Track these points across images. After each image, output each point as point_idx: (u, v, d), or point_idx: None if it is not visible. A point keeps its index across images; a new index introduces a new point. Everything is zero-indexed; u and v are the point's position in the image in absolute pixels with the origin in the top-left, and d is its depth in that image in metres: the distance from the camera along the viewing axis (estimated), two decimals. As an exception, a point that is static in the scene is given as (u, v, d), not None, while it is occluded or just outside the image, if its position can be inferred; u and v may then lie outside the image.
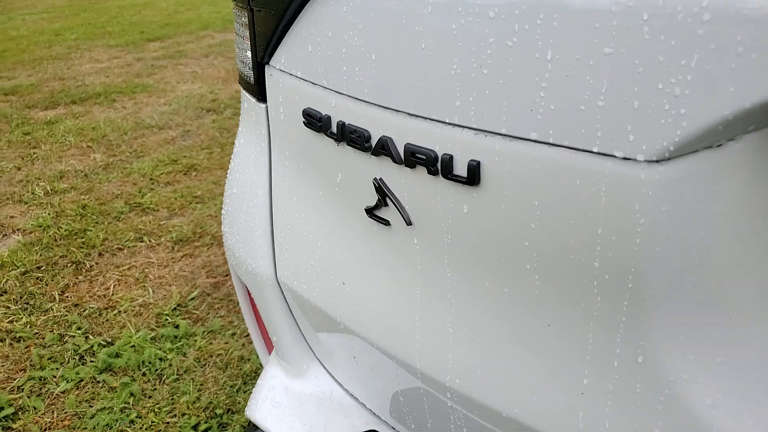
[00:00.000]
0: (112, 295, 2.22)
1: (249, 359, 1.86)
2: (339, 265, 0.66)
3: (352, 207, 0.63)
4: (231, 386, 1.76)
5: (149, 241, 2.57)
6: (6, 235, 2.68)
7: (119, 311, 2.12)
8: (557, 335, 0.51)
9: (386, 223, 0.60)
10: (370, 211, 0.61)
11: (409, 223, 0.57)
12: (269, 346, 0.87)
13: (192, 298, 2.17)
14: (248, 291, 0.83)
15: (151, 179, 3.14)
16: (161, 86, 4.76)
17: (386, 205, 0.59)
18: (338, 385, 0.71)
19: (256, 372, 1.81)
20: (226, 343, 1.94)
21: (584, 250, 0.46)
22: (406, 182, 0.56)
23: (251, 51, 0.66)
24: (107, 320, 2.08)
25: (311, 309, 0.69)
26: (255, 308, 0.86)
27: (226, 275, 2.31)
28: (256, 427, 0.68)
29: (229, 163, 3.03)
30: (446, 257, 0.56)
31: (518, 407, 0.55)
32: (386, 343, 0.62)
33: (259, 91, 0.67)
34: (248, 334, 1.98)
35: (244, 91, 0.73)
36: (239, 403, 1.70)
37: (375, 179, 0.58)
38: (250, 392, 1.70)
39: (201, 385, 1.77)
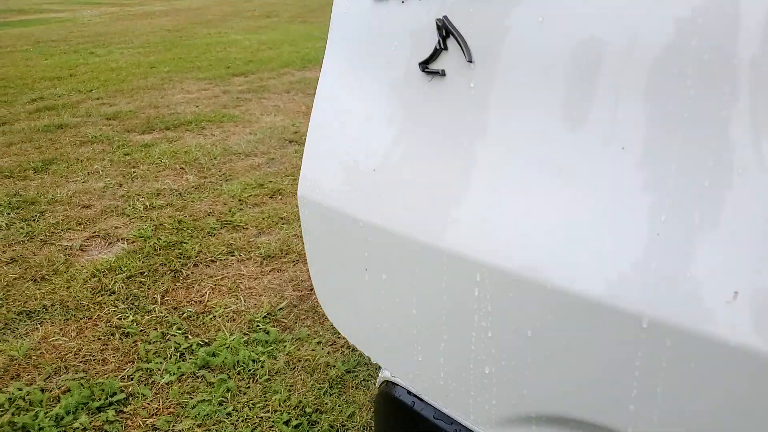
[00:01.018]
0: (207, 301, 2.41)
1: (334, 366, 1.97)
2: (373, 152, 0.67)
3: (404, 73, 0.65)
4: (318, 389, 1.88)
5: (240, 255, 2.76)
6: (111, 243, 2.94)
7: (214, 316, 2.30)
8: (633, 162, 0.46)
9: (441, 73, 0.62)
10: (425, 64, 0.63)
11: (470, 59, 0.58)
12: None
13: (280, 308, 2.32)
14: None
15: (239, 200, 3.37)
16: (246, 117, 5.09)
17: (446, 48, 0.60)
18: None
19: (342, 378, 1.92)
20: (313, 350, 2.06)
21: (677, 28, 0.42)
22: (473, 11, 0.57)
23: None
24: (204, 323, 2.26)
25: (333, 218, 0.71)
26: None
27: (311, 289, 2.46)
28: (392, 384, 0.79)
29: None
30: (507, 93, 0.55)
31: (573, 271, 0.48)
32: (413, 227, 0.61)
33: None
34: (333, 343, 2.10)
35: None
36: (326, 404, 1.81)
37: (438, 20, 0.60)
38: (337, 395, 1.81)
39: (291, 386, 1.90)
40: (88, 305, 2.39)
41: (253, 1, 17.10)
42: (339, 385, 1.90)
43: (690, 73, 0.43)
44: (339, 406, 1.81)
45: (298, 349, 2.07)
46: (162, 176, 3.79)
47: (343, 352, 2.05)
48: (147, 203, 3.36)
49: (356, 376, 1.93)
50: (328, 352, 2.05)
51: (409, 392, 0.76)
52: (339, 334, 2.14)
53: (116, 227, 3.09)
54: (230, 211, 3.23)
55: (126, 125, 4.92)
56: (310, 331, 2.17)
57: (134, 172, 3.86)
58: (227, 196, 3.44)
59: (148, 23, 12.20)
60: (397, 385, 0.78)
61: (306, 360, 2.02)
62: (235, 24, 11.84)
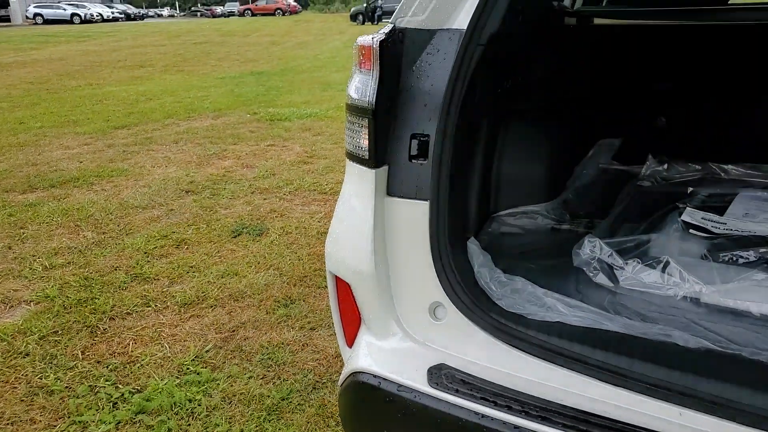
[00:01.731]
0: (131, 351, 2.46)
1: (269, 395, 2.15)
2: None
3: None
4: (258, 417, 2.04)
5: (156, 305, 2.83)
6: (13, 306, 2.86)
7: (141, 364, 2.37)
8: None
9: None
10: None
11: None
12: (348, 339, 1.24)
13: (207, 350, 2.45)
14: (338, 293, 1.20)
15: (145, 253, 3.41)
16: (137, 170, 5.06)
17: None
18: (411, 340, 1.08)
19: (277, 405, 2.10)
20: (246, 384, 2.22)
21: None
22: None
23: None
24: (132, 372, 2.32)
25: None
26: (341, 306, 1.23)
27: (233, 330, 2.61)
28: (359, 374, 1.03)
29: (216, 237, 3.38)
30: None
31: None
32: None
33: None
34: (264, 377, 2.27)
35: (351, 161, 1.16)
36: (267, 429, 1.98)
37: None
38: (275, 421, 2.00)
39: (230, 418, 2.05)
40: (1, 369, 2.34)
41: (122, 51, 16.61)
42: (276, 412, 2.07)
43: None
44: (279, 429, 1.98)
45: (231, 385, 2.22)
46: (56, 235, 3.70)
47: (275, 382, 2.23)
48: (45, 263, 3.28)
49: (291, 401, 2.12)
50: (261, 384, 2.22)
51: (374, 375, 1.02)
52: (269, 367, 2.32)
53: (15, 290, 3.01)
54: (138, 263, 3.27)
55: (2, 185, 4.68)
56: (239, 368, 2.32)
57: (23, 233, 3.73)
58: (131, 249, 3.46)
59: (5, 75, 11.44)
60: (364, 372, 1.03)
61: (241, 394, 2.17)
62: (107, 75, 11.48)
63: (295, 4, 53.09)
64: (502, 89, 1.45)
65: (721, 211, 1.59)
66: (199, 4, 73.30)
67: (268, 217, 3.94)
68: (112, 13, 42.43)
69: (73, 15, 37.28)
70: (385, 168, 1.13)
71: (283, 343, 2.48)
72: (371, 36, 1.09)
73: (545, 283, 1.20)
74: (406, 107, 1.13)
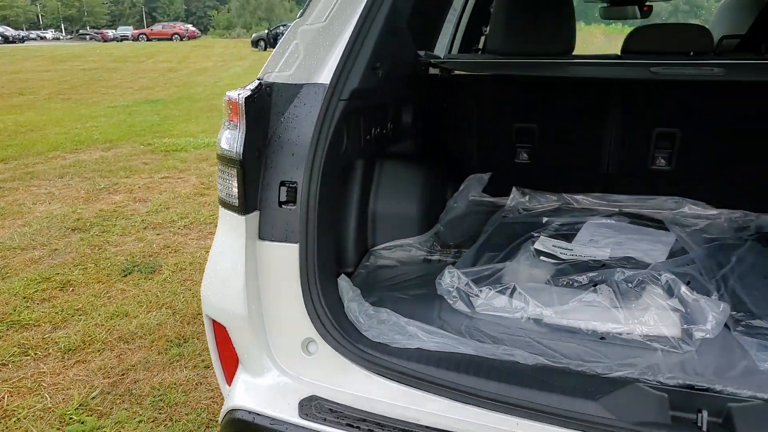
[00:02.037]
0: (7, 405, 2.32)
1: (160, 439, 2.11)
2: None
3: None
4: (147, 463, 2.00)
5: (35, 353, 2.68)
6: None
7: (18, 418, 2.24)
8: None
9: None
10: None
11: None
12: (228, 378, 1.28)
13: (93, 397, 2.36)
14: (216, 336, 1.25)
15: (24, 297, 3.22)
16: (15, 208, 4.75)
17: None
18: (285, 375, 1.15)
19: (169, 448, 2.07)
20: (135, 428, 2.17)
21: None
22: None
23: None
24: (6, 428, 2.19)
25: None
26: (219, 348, 1.28)
27: (122, 374, 2.53)
28: (235, 410, 1.08)
29: (105, 277, 3.29)
30: None
31: None
32: None
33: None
34: (154, 420, 2.23)
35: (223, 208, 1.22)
36: (157, 475, 1.95)
37: None
38: (166, 465, 1.97)
39: (118, 466, 1.99)
40: None
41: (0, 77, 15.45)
42: (167, 455, 2.04)
43: None
44: (169, 473, 1.96)
45: (119, 432, 2.15)
46: None
47: (167, 424, 2.20)
48: None
49: (182, 443, 2.10)
50: (152, 428, 2.17)
51: (249, 411, 1.08)
52: (161, 409, 2.28)
53: None
54: (15, 310, 3.07)
55: None
56: (129, 413, 2.26)
57: None
58: (8, 294, 3.25)
59: None
60: (240, 408, 1.09)
61: (129, 440, 2.11)
62: (-19, 103, 10.64)
63: (194, 29, 51.87)
64: (371, 136, 1.58)
65: (570, 238, 1.81)
66: (88, 27, 69.51)
67: (161, 253, 3.85)
68: (-13, 35, 39.30)
69: (-59, 36, 34.12)
70: (256, 213, 1.21)
71: (175, 384, 2.44)
72: (237, 92, 1.17)
73: (412, 312, 1.32)
74: (275, 156, 1.21)
